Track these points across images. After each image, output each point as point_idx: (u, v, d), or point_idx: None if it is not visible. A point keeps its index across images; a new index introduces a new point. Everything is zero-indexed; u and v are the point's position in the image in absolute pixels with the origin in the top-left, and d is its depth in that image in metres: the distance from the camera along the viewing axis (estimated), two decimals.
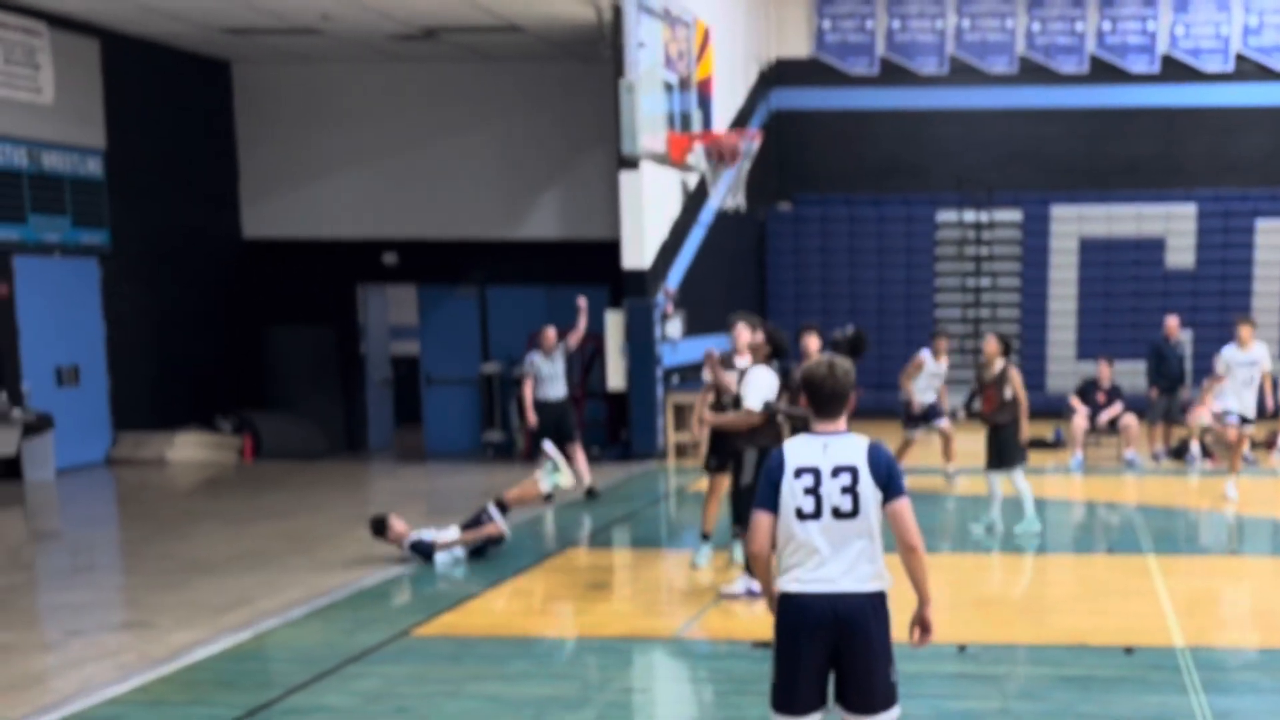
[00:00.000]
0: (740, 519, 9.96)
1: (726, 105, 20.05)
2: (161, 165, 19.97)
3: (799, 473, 5.15)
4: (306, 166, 21.45)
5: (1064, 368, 23.88)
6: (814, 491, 5.13)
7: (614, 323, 17.95)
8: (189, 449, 19.39)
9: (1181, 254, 23.96)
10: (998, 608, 10.12)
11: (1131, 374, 21.73)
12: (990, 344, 12.53)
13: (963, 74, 24.45)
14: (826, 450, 5.17)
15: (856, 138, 24.71)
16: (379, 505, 14.51)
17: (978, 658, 8.50)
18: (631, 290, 18.09)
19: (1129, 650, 8.63)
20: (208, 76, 21.01)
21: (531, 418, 15.03)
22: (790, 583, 5.18)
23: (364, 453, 21.43)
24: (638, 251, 17.93)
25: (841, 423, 5.27)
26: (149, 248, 19.71)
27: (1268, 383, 15.68)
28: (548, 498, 13.54)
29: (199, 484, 17.44)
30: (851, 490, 5.13)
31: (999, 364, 12.46)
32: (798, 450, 5.21)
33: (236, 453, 19.75)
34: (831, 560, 5.12)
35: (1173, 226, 23.92)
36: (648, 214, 17.85)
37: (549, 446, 12.77)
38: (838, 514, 5.14)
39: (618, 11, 16.60)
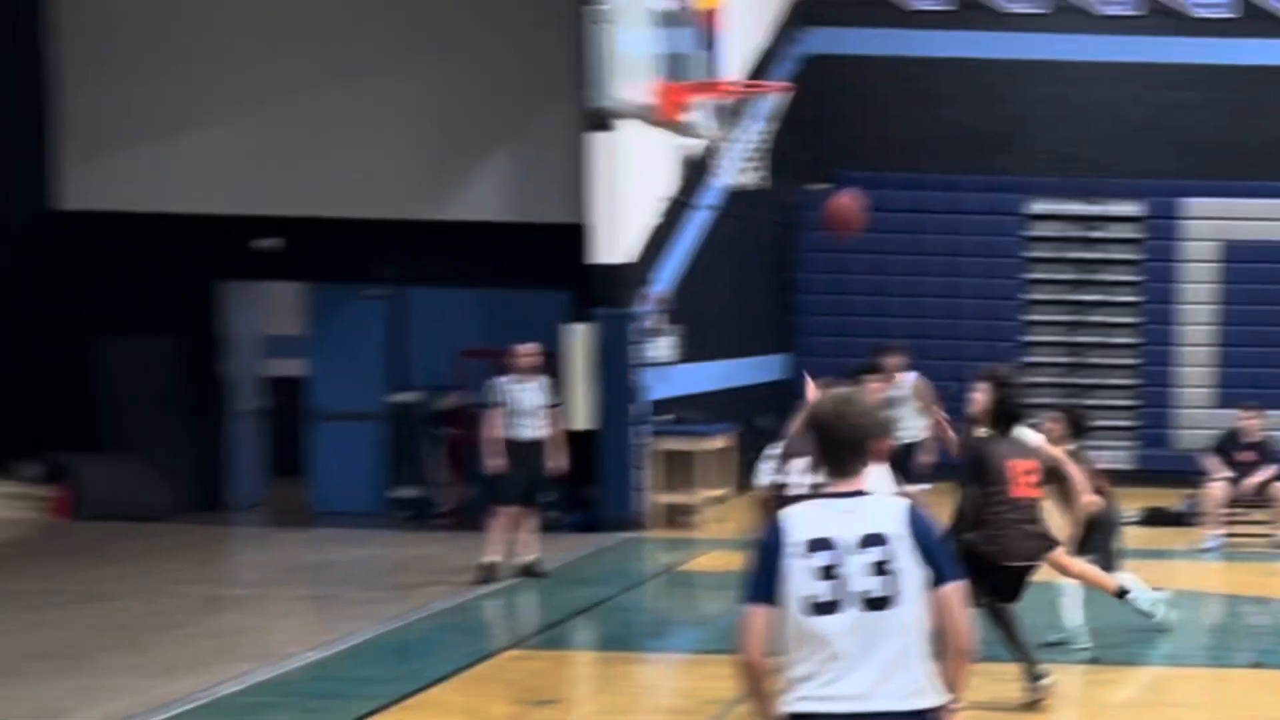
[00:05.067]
0: None
1: (742, 46, 19.05)
2: None
3: (811, 548, 4.60)
4: (150, 116, 19.19)
5: (1197, 417, 22.45)
6: (832, 573, 4.58)
7: (578, 339, 17.36)
8: None
9: None
10: None
11: None
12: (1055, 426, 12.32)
13: (1067, 15, 23.27)
14: (848, 516, 4.66)
15: (922, 96, 23.43)
16: (245, 585, 14.80)
17: None
18: (604, 295, 17.49)
19: None
20: None
21: (493, 461, 14.32)
22: (800, 702, 4.66)
23: (225, 512, 19.59)
24: (613, 242, 17.35)
25: (862, 480, 4.68)
26: None
27: None
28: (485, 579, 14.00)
29: None
30: (887, 569, 4.60)
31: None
32: (805, 519, 4.66)
33: (45, 509, 18.52)
34: (859, 668, 4.59)
35: None
36: (628, 190, 17.23)
37: None
38: (868, 603, 4.59)
39: None
